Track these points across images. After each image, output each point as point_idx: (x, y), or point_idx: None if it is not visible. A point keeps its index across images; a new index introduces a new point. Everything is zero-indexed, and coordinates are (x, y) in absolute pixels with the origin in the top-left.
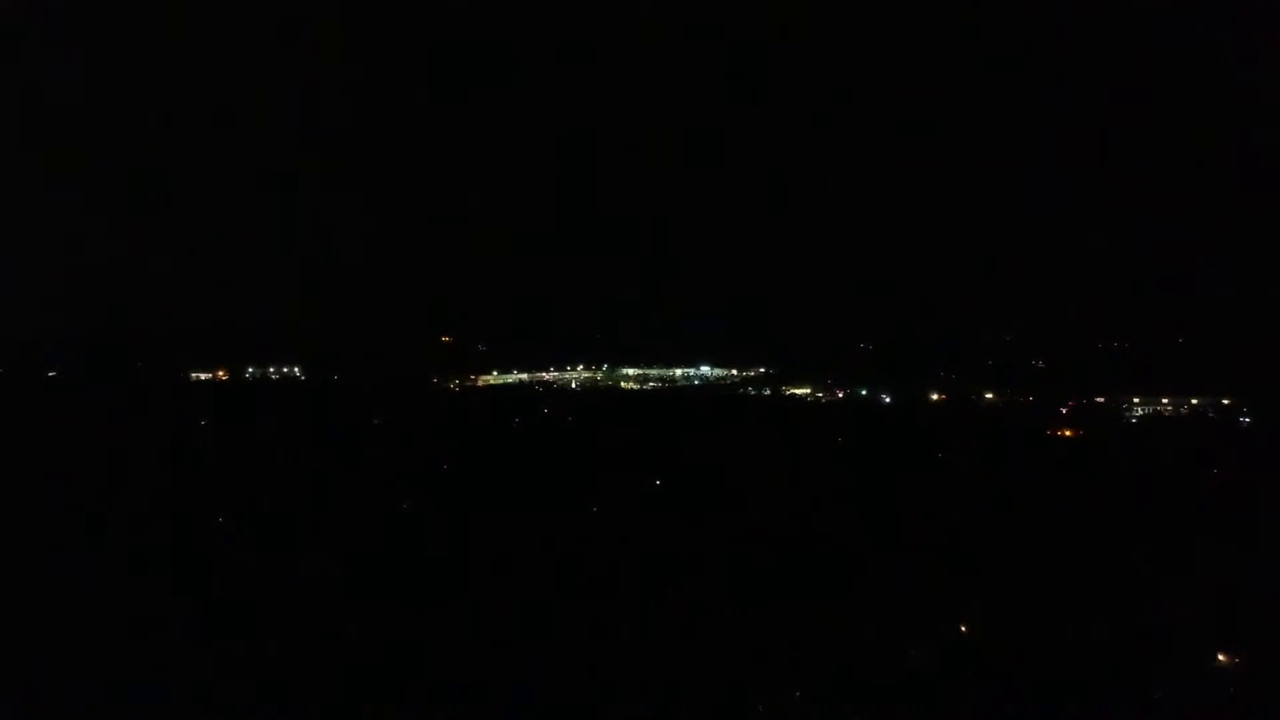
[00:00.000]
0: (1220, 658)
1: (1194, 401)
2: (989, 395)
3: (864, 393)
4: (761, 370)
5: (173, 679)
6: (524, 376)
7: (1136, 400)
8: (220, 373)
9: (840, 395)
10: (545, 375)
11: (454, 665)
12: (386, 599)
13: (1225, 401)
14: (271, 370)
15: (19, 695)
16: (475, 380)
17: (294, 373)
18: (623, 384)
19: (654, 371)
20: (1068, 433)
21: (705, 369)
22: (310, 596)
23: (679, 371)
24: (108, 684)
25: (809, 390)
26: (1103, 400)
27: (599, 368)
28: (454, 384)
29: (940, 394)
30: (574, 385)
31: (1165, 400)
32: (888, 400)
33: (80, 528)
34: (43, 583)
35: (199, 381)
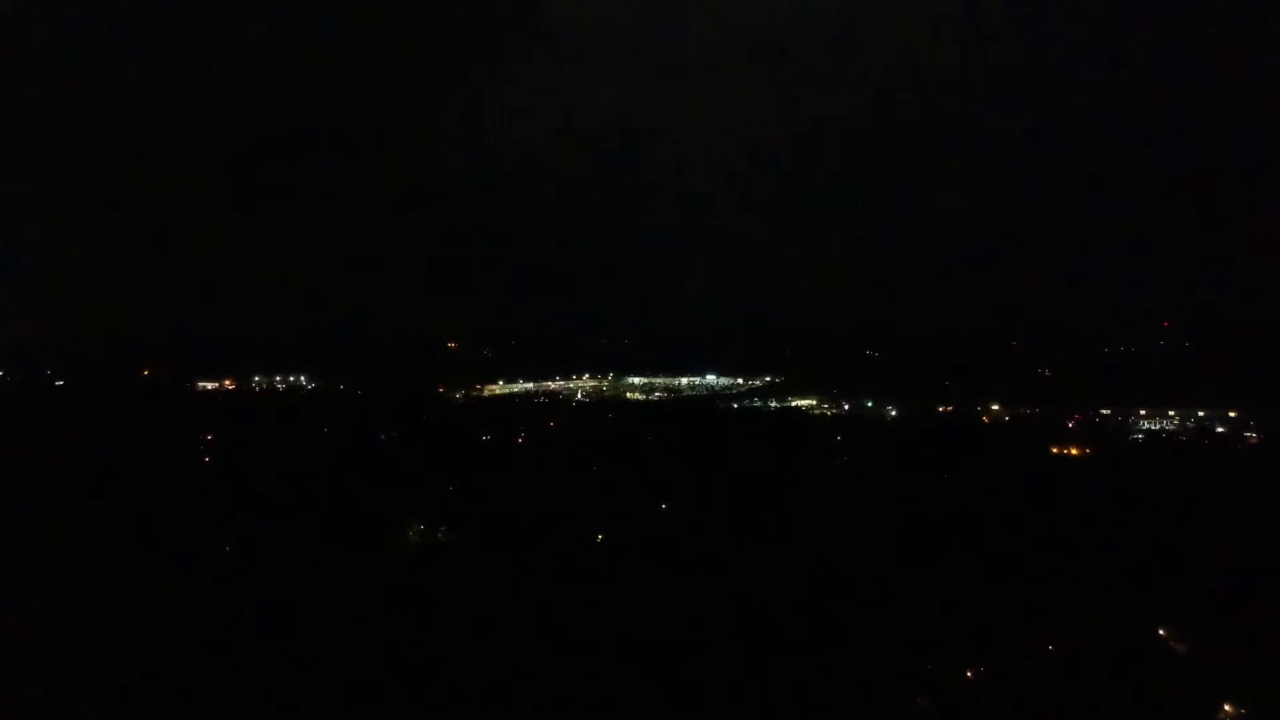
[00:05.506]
0: (1226, 708)
1: (1200, 414)
2: (995, 407)
3: (870, 404)
4: (768, 379)
5: (173, 688)
6: (530, 386)
7: (1143, 412)
8: (227, 382)
9: (846, 407)
10: (551, 385)
11: (458, 677)
12: (393, 614)
13: (1231, 414)
14: (278, 380)
15: (20, 696)
16: (481, 390)
17: (300, 382)
18: (628, 394)
19: (659, 381)
20: (1073, 450)
21: (711, 378)
22: (314, 609)
23: (684, 381)
24: (107, 690)
25: (814, 401)
26: (1109, 412)
27: (604, 377)
28: (459, 394)
29: (946, 406)
30: (580, 395)
31: (1172, 413)
32: (894, 413)
33: (85, 537)
34: (47, 590)
35: (205, 391)
